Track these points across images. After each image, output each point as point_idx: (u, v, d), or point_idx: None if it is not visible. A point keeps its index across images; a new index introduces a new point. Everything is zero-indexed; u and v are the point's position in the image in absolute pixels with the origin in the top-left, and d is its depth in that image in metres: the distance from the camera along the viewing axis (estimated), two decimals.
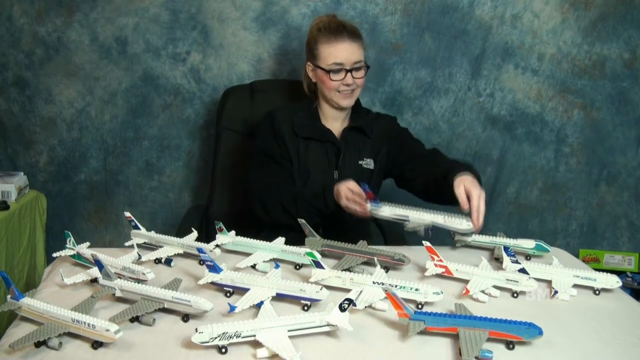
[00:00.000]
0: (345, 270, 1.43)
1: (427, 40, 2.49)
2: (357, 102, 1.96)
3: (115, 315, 1.19)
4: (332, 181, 1.82)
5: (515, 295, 1.40)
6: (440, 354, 1.14)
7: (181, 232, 1.68)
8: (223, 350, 1.10)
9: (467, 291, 1.36)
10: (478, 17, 2.47)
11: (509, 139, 2.63)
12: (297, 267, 1.52)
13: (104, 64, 2.44)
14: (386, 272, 1.46)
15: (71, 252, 1.51)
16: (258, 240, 1.58)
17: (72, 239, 1.52)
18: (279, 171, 1.86)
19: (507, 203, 2.71)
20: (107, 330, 1.10)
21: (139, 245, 1.61)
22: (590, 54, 2.53)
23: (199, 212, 2.22)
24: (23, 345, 1.10)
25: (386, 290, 1.24)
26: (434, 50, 2.50)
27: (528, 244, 1.64)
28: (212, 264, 1.34)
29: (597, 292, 1.44)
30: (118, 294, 1.30)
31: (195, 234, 1.64)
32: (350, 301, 1.15)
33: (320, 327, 1.15)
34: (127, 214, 1.66)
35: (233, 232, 1.62)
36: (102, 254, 1.42)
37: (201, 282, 1.35)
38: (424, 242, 1.51)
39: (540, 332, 1.15)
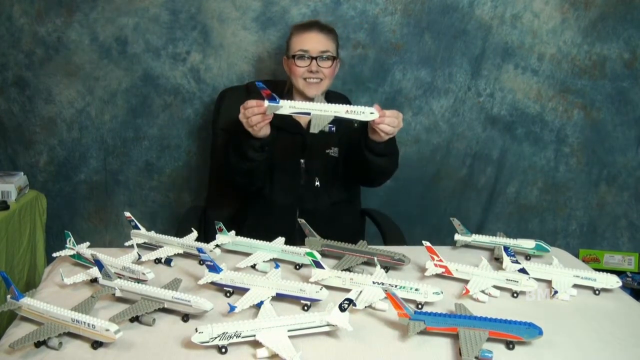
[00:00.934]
0: (345, 270, 1.43)
1: (427, 40, 2.49)
2: (330, 97, 1.97)
3: (115, 315, 1.19)
4: (298, 169, 1.91)
5: (515, 295, 1.40)
6: (440, 354, 1.14)
7: (180, 232, 1.68)
8: (223, 350, 1.11)
9: (467, 291, 1.36)
10: (478, 17, 2.47)
11: (509, 139, 2.63)
12: (297, 267, 1.52)
13: (104, 64, 2.44)
14: (386, 272, 1.46)
15: (71, 252, 1.52)
16: (258, 240, 1.58)
17: (72, 239, 1.52)
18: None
19: (507, 203, 2.71)
20: (107, 330, 1.10)
21: (139, 245, 1.61)
22: (590, 54, 2.53)
23: (197, 212, 2.22)
24: (23, 345, 1.10)
25: (386, 290, 1.24)
26: (434, 50, 2.50)
27: (528, 244, 1.64)
28: (212, 264, 1.34)
29: (597, 292, 1.44)
30: (118, 294, 1.30)
31: (195, 234, 1.64)
32: (350, 301, 1.15)
33: (320, 327, 1.15)
34: (127, 214, 1.66)
35: (233, 232, 1.62)
36: (102, 254, 1.42)
37: (201, 282, 1.35)
38: (424, 242, 1.51)
39: (540, 332, 1.15)
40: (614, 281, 1.44)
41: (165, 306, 1.23)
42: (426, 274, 1.47)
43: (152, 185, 2.61)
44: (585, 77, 2.56)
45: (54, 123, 2.50)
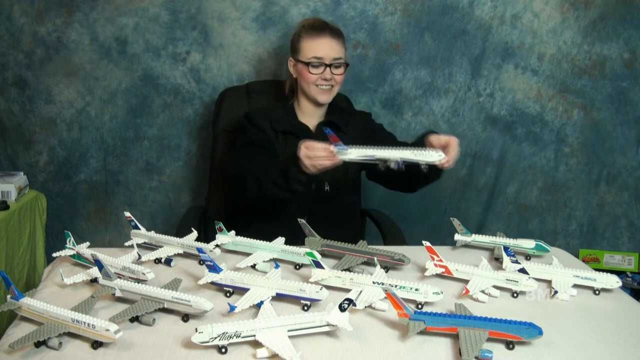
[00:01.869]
0: (345, 270, 1.43)
1: (427, 40, 2.49)
2: (334, 100, 1.98)
3: (115, 315, 1.19)
4: (308, 175, 1.81)
5: (515, 295, 1.40)
6: (440, 354, 1.14)
7: (180, 232, 1.68)
8: (223, 350, 1.11)
9: (467, 291, 1.36)
10: (478, 17, 2.47)
11: (508, 139, 2.63)
12: (297, 267, 1.52)
13: (103, 64, 2.44)
14: (386, 272, 1.46)
15: (71, 252, 1.52)
16: (258, 240, 1.58)
17: (72, 239, 1.52)
18: (265, 155, 1.86)
19: (507, 203, 2.71)
20: (107, 330, 1.10)
21: (139, 245, 1.61)
22: (590, 54, 2.53)
23: (197, 212, 2.22)
24: (23, 345, 1.10)
25: (386, 290, 1.24)
26: (434, 50, 2.50)
27: (528, 244, 1.64)
28: (212, 264, 1.34)
29: (597, 292, 1.44)
30: (118, 294, 1.30)
31: (195, 233, 1.64)
32: (350, 301, 1.15)
33: (320, 327, 1.15)
34: (127, 214, 1.66)
35: (233, 232, 1.62)
36: (102, 254, 1.42)
37: (201, 282, 1.35)
38: (424, 242, 1.51)
39: (540, 332, 1.15)
40: (614, 281, 1.44)
41: (165, 306, 1.23)
42: (426, 274, 1.47)
43: (152, 185, 2.61)
44: (585, 77, 2.56)
45: (54, 123, 2.50)
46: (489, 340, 1.15)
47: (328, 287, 1.32)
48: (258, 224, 1.92)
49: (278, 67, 2.47)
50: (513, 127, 2.61)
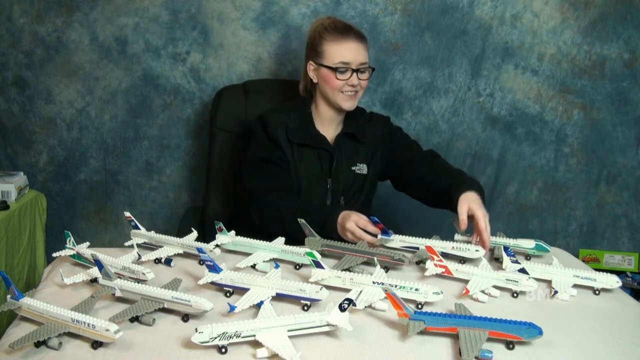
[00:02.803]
0: (345, 270, 1.43)
1: (427, 40, 2.49)
2: None
3: (115, 315, 1.19)
4: (325, 190, 1.83)
5: (515, 295, 1.40)
6: (440, 354, 1.14)
7: (181, 232, 1.68)
8: (223, 350, 1.10)
9: (467, 291, 1.36)
10: (478, 17, 2.47)
11: (508, 139, 2.63)
12: (297, 267, 1.52)
13: (103, 64, 2.44)
14: (386, 272, 1.46)
15: (71, 252, 1.51)
16: (258, 240, 1.58)
17: (72, 239, 1.52)
18: (277, 173, 1.82)
19: (507, 203, 2.71)
20: (107, 330, 1.10)
21: (139, 245, 1.61)
22: (590, 54, 2.53)
23: (197, 212, 2.22)
24: (23, 345, 1.10)
25: (386, 290, 1.24)
26: (434, 50, 2.50)
27: (528, 244, 1.64)
28: (212, 263, 1.34)
29: (597, 292, 1.44)
30: (118, 293, 1.30)
31: (195, 233, 1.64)
32: (350, 301, 1.15)
33: (320, 327, 1.15)
34: (127, 214, 1.66)
35: (233, 232, 1.62)
36: (102, 254, 1.42)
37: (201, 282, 1.35)
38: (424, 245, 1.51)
39: (540, 332, 1.15)
40: (613, 281, 1.44)
41: (165, 306, 1.23)
42: (426, 274, 1.47)
43: (152, 185, 2.61)
44: (585, 77, 2.56)
45: (54, 123, 2.50)
46: (489, 340, 1.15)
47: (328, 287, 1.32)
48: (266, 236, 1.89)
49: (278, 67, 2.47)
50: (513, 127, 2.61)
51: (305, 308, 1.28)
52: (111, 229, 2.65)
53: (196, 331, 1.10)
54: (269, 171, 1.83)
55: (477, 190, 1.66)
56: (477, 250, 1.54)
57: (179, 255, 1.57)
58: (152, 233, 1.63)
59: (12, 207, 2.16)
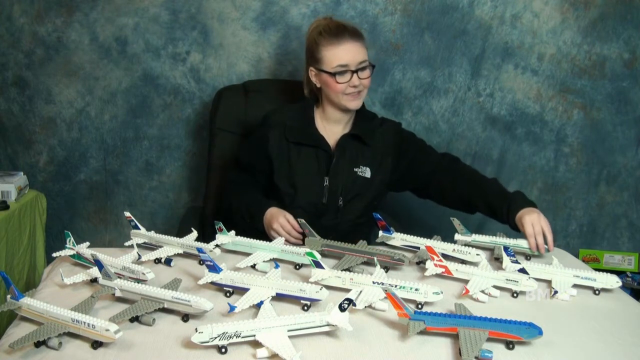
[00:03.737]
0: (345, 270, 1.43)
1: (427, 40, 2.49)
2: (362, 105, 1.90)
3: (115, 315, 1.19)
4: (321, 188, 1.84)
5: (515, 295, 1.40)
6: (440, 354, 1.14)
7: (181, 232, 1.68)
8: (223, 350, 1.11)
9: (467, 291, 1.36)
10: (478, 17, 2.47)
11: (508, 139, 2.63)
12: (297, 267, 1.52)
13: (103, 64, 2.44)
14: (386, 272, 1.46)
15: (71, 252, 1.52)
16: (258, 240, 1.58)
17: (72, 238, 1.52)
18: (249, 181, 1.89)
19: None
20: (107, 330, 1.10)
21: (138, 245, 1.61)
22: (590, 54, 2.53)
23: (197, 212, 2.22)
24: (23, 345, 1.10)
25: (386, 290, 1.24)
26: (434, 50, 2.50)
27: (527, 243, 1.64)
28: (211, 263, 1.34)
29: (597, 292, 1.44)
30: (118, 293, 1.30)
31: (195, 233, 1.64)
32: (350, 301, 1.15)
33: (320, 327, 1.15)
34: (127, 214, 1.66)
35: (233, 232, 1.62)
36: (102, 254, 1.42)
37: (201, 282, 1.35)
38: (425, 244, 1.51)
39: (540, 332, 1.15)
40: (613, 281, 1.44)
41: (165, 306, 1.23)
42: (426, 274, 1.47)
43: (152, 185, 2.61)
44: (585, 77, 2.56)
45: (54, 123, 2.50)
46: (489, 340, 1.15)
47: (328, 287, 1.32)
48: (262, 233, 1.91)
49: (278, 67, 2.47)
50: (513, 127, 2.61)
51: (305, 308, 1.28)
52: (111, 229, 2.65)
53: (196, 331, 1.10)
54: (244, 175, 1.90)
55: (526, 201, 1.76)
56: (477, 254, 1.54)
57: (179, 255, 1.58)
58: (152, 233, 1.63)
59: (12, 207, 2.16)
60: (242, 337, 1.11)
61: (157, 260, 1.54)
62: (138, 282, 1.32)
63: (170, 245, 1.58)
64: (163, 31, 2.41)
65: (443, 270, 1.47)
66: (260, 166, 1.87)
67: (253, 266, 1.50)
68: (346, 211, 1.86)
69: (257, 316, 1.21)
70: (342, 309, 1.14)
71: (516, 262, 1.46)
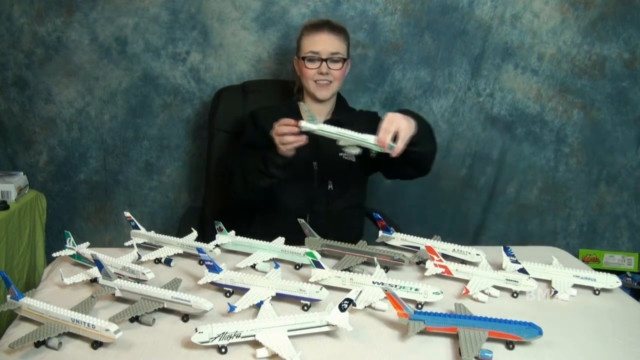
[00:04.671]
0: (345, 270, 1.43)
1: (427, 40, 2.49)
2: (342, 100, 2.00)
3: (115, 315, 1.19)
4: (311, 172, 1.88)
5: (515, 295, 1.40)
6: (440, 354, 1.14)
7: (180, 233, 1.68)
8: (223, 350, 1.11)
9: (467, 291, 1.36)
10: (478, 17, 2.47)
11: (508, 139, 2.62)
12: (297, 267, 1.52)
13: (103, 64, 2.44)
14: (386, 272, 1.46)
15: (71, 252, 1.52)
16: (258, 240, 1.58)
17: (72, 238, 1.53)
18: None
19: (507, 203, 2.70)
20: (107, 330, 1.11)
21: (138, 245, 1.61)
22: (590, 54, 2.53)
23: (197, 212, 2.21)
24: (23, 345, 1.10)
25: (386, 290, 1.24)
26: (434, 50, 2.50)
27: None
28: (211, 263, 1.34)
29: (597, 292, 1.44)
30: (118, 293, 1.30)
31: (195, 233, 1.64)
32: (350, 301, 1.15)
33: (320, 327, 1.15)
34: (127, 214, 1.67)
35: (233, 232, 1.62)
36: (102, 254, 1.42)
37: (201, 282, 1.35)
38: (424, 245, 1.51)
39: (540, 332, 1.15)
40: (613, 281, 1.44)
41: (165, 306, 1.23)
42: (426, 274, 1.47)
43: (152, 185, 2.60)
44: (585, 77, 2.56)
45: (54, 123, 2.50)
46: (489, 340, 1.15)
47: (328, 287, 1.32)
48: (258, 224, 1.92)
49: (278, 67, 2.47)
50: (513, 127, 2.61)
51: (305, 308, 1.28)
52: (111, 229, 2.65)
53: (196, 331, 1.10)
54: (253, 153, 1.86)
55: (412, 115, 1.64)
56: (477, 255, 1.54)
57: (178, 255, 1.58)
58: (152, 233, 1.63)
59: (12, 207, 2.16)
60: (242, 337, 1.12)
61: (157, 260, 1.55)
62: (138, 282, 1.32)
63: (170, 245, 1.59)
64: (163, 31, 2.41)
65: (443, 270, 1.47)
66: (269, 144, 1.83)
67: (253, 266, 1.50)
68: (336, 195, 1.92)
69: (257, 316, 1.21)
70: (342, 309, 1.14)
71: (516, 262, 1.47)
